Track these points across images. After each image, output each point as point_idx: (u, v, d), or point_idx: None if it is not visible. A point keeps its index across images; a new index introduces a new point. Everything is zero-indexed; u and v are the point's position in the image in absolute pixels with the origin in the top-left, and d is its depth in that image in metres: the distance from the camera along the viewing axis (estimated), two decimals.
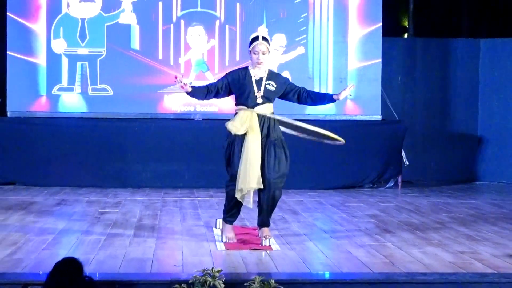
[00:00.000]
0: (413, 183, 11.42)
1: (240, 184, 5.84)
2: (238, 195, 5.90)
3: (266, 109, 5.96)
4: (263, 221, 6.11)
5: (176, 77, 5.84)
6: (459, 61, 12.18)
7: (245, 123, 5.87)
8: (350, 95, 6.15)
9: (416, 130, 11.89)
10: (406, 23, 13.54)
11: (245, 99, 5.94)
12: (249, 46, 5.97)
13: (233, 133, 5.87)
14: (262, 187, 5.89)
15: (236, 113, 5.99)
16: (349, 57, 11.12)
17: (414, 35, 12.97)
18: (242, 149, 5.86)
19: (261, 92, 5.92)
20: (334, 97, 6.04)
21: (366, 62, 11.13)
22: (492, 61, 12.08)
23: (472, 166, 12.11)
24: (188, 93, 5.93)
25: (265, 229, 6.07)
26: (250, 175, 5.81)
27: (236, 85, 5.96)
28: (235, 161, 5.90)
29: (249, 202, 5.96)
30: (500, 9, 13.18)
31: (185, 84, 5.84)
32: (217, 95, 6.05)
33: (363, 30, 11.14)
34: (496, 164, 11.97)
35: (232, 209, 6.13)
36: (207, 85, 6.09)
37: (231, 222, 6.19)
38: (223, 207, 6.28)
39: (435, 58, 12.20)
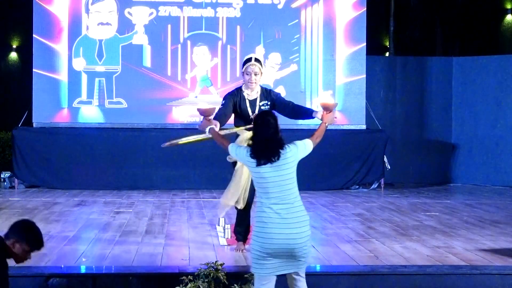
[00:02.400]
0: (394, 185, 11.39)
1: (223, 197, 5.56)
2: (234, 204, 5.57)
3: None
4: None
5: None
6: (434, 77, 12.18)
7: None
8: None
9: (396, 138, 11.89)
10: (387, 43, 13.54)
11: (241, 120, 5.63)
12: (242, 67, 5.66)
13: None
14: (238, 205, 5.53)
15: (236, 133, 5.59)
16: (337, 73, 11.11)
17: (394, 54, 12.97)
18: (236, 168, 5.51)
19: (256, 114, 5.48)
20: (314, 114, 5.41)
21: (352, 78, 11.12)
22: (464, 77, 12.07)
23: (446, 170, 12.09)
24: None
25: None
26: (231, 194, 5.50)
27: (235, 106, 5.61)
28: (235, 179, 5.55)
29: (221, 213, 5.71)
30: (470, 30, 13.20)
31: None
32: (226, 118, 5.51)
33: (349, 49, 11.14)
34: (468, 168, 11.96)
35: (240, 226, 5.71)
36: (217, 118, 5.26)
37: (242, 239, 5.73)
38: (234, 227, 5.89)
39: (413, 74, 12.20)
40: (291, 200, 3.97)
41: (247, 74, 5.60)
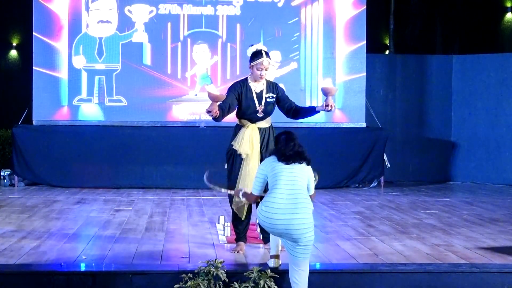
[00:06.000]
0: (394, 183, 11.40)
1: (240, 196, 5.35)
2: (234, 206, 5.52)
3: (266, 123, 5.57)
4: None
5: (209, 112, 5.25)
6: (434, 75, 12.18)
7: (249, 142, 5.46)
8: (332, 108, 5.33)
9: (396, 136, 11.89)
10: (387, 41, 13.53)
11: (247, 113, 5.51)
12: (252, 61, 5.47)
13: (243, 156, 5.47)
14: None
15: (237, 125, 5.59)
16: (337, 71, 11.11)
17: (394, 52, 12.96)
18: (242, 163, 5.48)
19: (262, 106, 5.48)
20: (317, 108, 5.49)
21: (351, 76, 11.12)
22: (463, 75, 12.07)
23: (446, 168, 12.10)
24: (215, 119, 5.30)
25: None
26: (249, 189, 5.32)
27: (240, 98, 5.47)
28: (232, 177, 5.54)
29: (242, 214, 5.52)
30: (470, 29, 13.19)
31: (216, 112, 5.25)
32: (229, 111, 5.43)
33: (349, 47, 11.13)
34: (468, 166, 11.96)
35: (242, 228, 5.58)
36: (220, 107, 5.32)
37: (243, 240, 5.62)
38: (235, 229, 5.66)
39: (413, 72, 12.20)
40: (298, 195, 4.49)
41: (259, 70, 5.46)
